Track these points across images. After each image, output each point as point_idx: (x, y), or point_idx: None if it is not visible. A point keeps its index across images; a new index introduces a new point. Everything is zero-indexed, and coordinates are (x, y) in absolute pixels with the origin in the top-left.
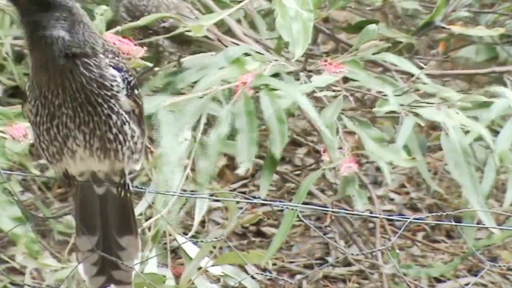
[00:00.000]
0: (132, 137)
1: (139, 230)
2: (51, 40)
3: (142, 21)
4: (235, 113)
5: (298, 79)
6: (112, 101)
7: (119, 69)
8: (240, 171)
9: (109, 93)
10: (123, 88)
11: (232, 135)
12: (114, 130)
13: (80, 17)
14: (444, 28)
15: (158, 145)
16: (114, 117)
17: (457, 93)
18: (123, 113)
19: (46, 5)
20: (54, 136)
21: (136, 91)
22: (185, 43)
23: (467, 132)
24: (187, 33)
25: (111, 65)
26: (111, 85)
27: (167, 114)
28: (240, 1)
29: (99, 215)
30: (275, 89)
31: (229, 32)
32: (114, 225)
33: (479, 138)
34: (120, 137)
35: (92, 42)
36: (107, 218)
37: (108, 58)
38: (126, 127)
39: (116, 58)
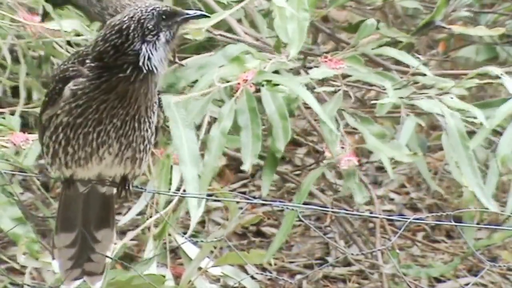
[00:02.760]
0: (153, 144)
1: (139, 229)
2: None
3: None
4: (238, 110)
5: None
6: (153, 117)
7: None
8: (245, 167)
9: (153, 112)
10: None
11: (232, 132)
12: (146, 142)
13: None
14: (444, 28)
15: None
16: (149, 131)
17: (454, 82)
18: (153, 126)
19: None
20: (89, 142)
21: (161, 100)
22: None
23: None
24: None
25: None
26: (155, 104)
27: (180, 109)
28: (240, 1)
29: (81, 213)
30: (277, 85)
31: (229, 31)
32: (94, 221)
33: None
34: (148, 147)
35: None
36: (88, 215)
37: None
38: (153, 137)
39: None
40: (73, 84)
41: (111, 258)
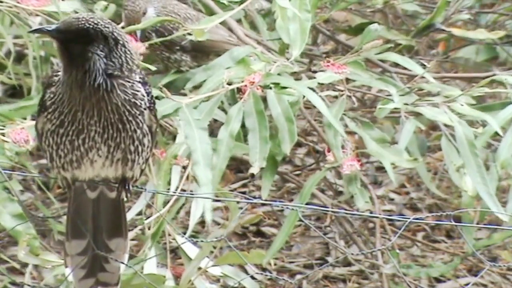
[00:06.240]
0: (148, 147)
1: (139, 229)
2: (91, 66)
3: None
4: (245, 112)
5: (300, 79)
6: (140, 117)
7: (144, 83)
8: (253, 170)
9: (138, 111)
10: (147, 103)
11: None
12: (136, 143)
13: (119, 40)
14: (444, 30)
15: (181, 143)
16: (138, 131)
17: (460, 91)
18: (145, 126)
19: (86, 38)
20: (77, 147)
21: (154, 104)
22: (206, 54)
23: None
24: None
25: (139, 81)
26: (141, 103)
27: (192, 111)
28: (241, 2)
29: (91, 219)
30: (284, 87)
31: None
32: (105, 228)
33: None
34: (140, 148)
35: (130, 63)
36: (99, 222)
37: (137, 74)
38: (146, 139)
39: (140, 71)
40: (48, 94)
41: (125, 264)
